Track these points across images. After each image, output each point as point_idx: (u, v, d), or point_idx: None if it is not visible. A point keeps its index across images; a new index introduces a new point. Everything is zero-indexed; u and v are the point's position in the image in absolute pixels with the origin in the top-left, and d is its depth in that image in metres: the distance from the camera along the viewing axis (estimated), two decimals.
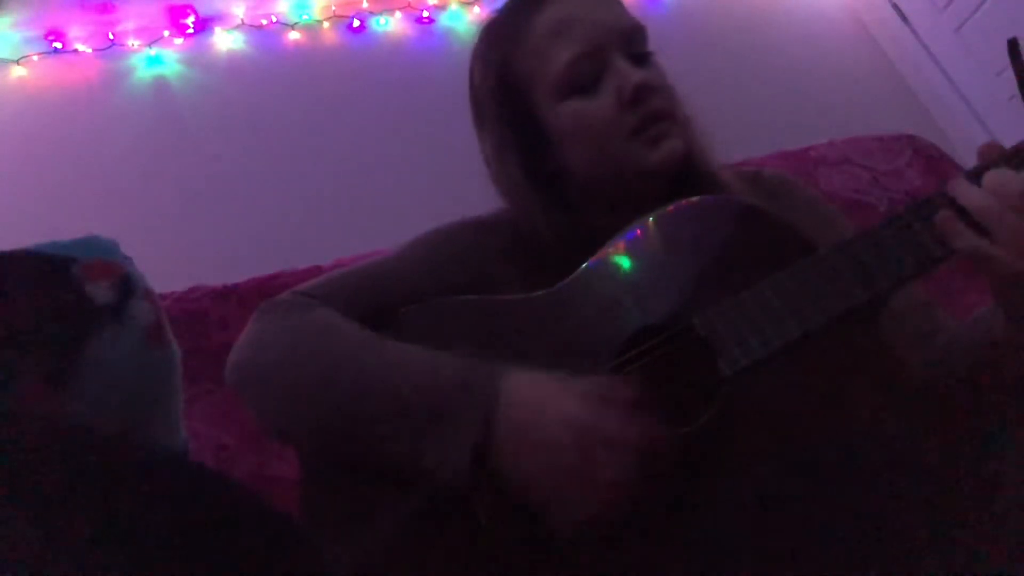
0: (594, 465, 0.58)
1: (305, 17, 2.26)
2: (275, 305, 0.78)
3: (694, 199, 0.73)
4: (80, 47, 2.13)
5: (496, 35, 0.87)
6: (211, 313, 1.35)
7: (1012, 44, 0.65)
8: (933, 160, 1.70)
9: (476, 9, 2.33)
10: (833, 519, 0.60)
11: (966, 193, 0.60)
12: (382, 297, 0.79)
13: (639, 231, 0.73)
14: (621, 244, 0.74)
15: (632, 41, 0.82)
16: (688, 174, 0.83)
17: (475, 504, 0.63)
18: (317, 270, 1.37)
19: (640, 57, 0.83)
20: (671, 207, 0.73)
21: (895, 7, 2.45)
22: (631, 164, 0.79)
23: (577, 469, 0.58)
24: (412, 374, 0.65)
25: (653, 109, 0.79)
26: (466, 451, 0.59)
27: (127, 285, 0.81)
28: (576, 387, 0.62)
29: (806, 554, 0.59)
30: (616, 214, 0.77)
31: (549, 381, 0.63)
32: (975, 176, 0.61)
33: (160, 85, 2.14)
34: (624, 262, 0.73)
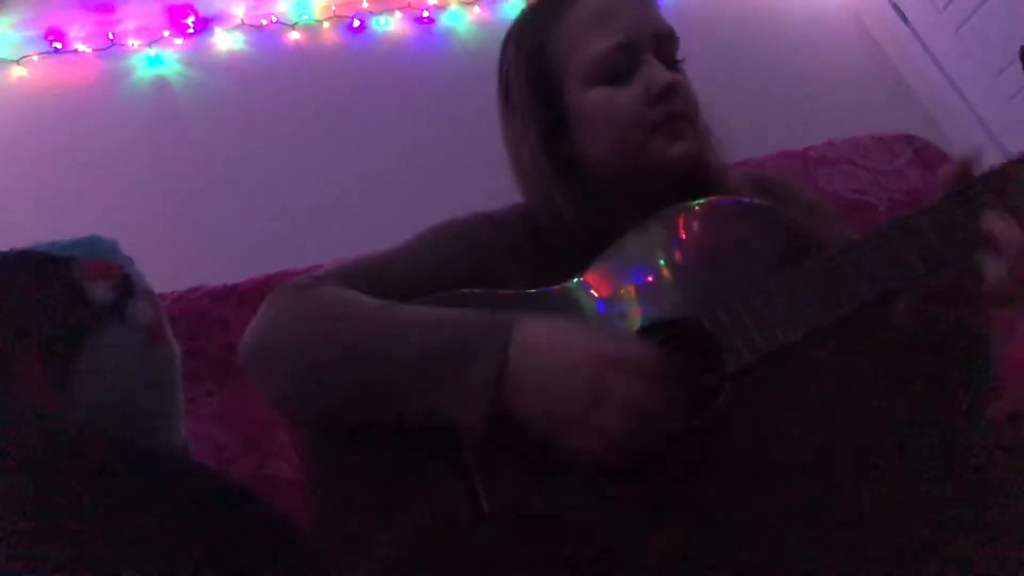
0: (610, 384, 0.59)
1: (305, 17, 2.26)
2: (288, 287, 0.79)
3: (705, 200, 0.74)
4: (80, 47, 2.13)
5: (534, 17, 0.90)
6: (211, 313, 1.35)
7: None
8: (933, 160, 1.69)
9: (476, 9, 2.33)
10: (838, 516, 0.60)
11: (999, 224, 0.59)
12: (389, 286, 0.79)
13: (649, 230, 0.74)
14: (631, 241, 0.75)
15: (666, 45, 0.85)
16: (701, 178, 0.84)
17: (477, 489, 0.64)
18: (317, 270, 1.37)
19: (671, 62, 0.85)
20: (669, 210, 0.74)
21: (895, 7, 2.44)
22: (647, 157, 0.81)
23: (591, 391, 0.59)
24: (429, 327, 0.67)
25: (676, 110, 0.81)
26: (486, 386, 0.61)
27: (127, 285, 0.81)
28: (589, 326, 0.65)
29: (810, 550, 0.60)
30: (627, 210, 0.78)
31: (562, 319, 0.66)
32: (964, 197, 0.61)
33: (160, 85, 2.14)
34: (634, 259, 0.73)
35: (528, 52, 0.88)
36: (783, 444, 0.63)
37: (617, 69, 0.82)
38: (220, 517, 0.51)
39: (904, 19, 2.43)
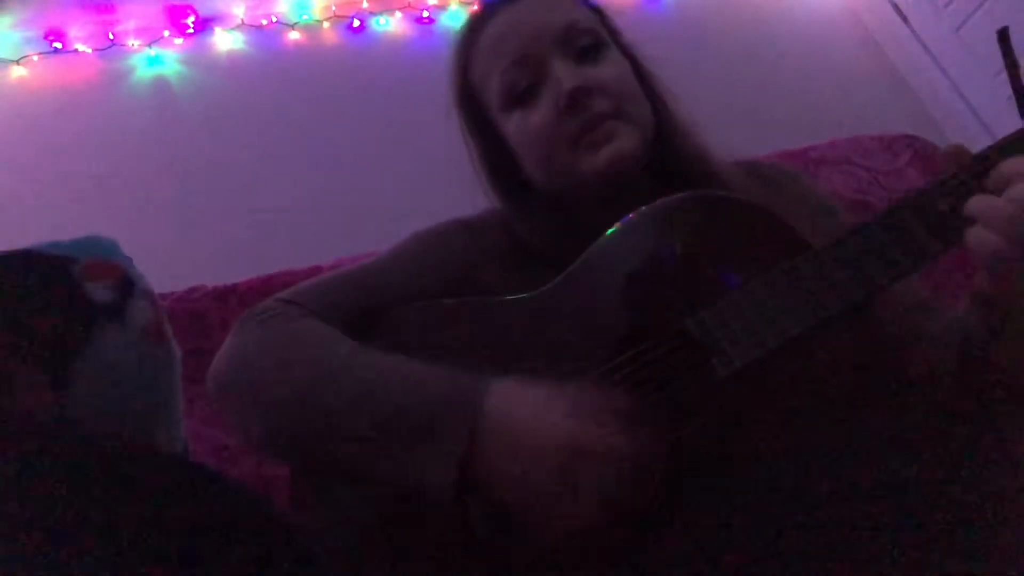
0: (577, 477, 0.56)
1: (305, 17, 2.27)
2: (257, 314, 0.75)
3: (677, 196, 0.71)
4: (80, 47, 2.13)
5: (455, 55, 0.88)
6: (211, 313, 1.35)
7: (1002, 33, 0.64)
8: (933, 160, 1.69)
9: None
10: (832, 518, 0.60)
11: (979, 202, 0.57)
12: (368, 301, 0.78)
13: (626, 231, 0.72)
14: (608, 244, 0.72)
15: (573, 39, 0.80)
16: (676, 164, 0.82)
17: (470, 516, 0.63)
18: (317, 270, 1.37)
19: (585, 52, 0.80)
20: (656, 204, 0.71)
21: (895, 7, 2.44)
22: (577, 171, 0.78)
23: (559, 481, 0.57)
24: (396, 390, 0.63)
25: (593, 112, 0.77)
26: (451, 466, 0.58)
27: (127, 285, 0.81)
28: (563, 396, 0.60)
29: (805, 553, 0.59)
30: (601, 211, 0.75)
31: (535, 389, 0.61)
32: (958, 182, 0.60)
33: (160, 85, 2.14)
34: (613, 263, 0.71)
35: (456, 88, 0.88)
36: (773, 450, 0.62)
37: (521, 89, 0.79)
38: (220, 517, 0.51)
39: (904, 19, 2.43)
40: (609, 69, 0.80)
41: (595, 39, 0.81)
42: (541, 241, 0.82)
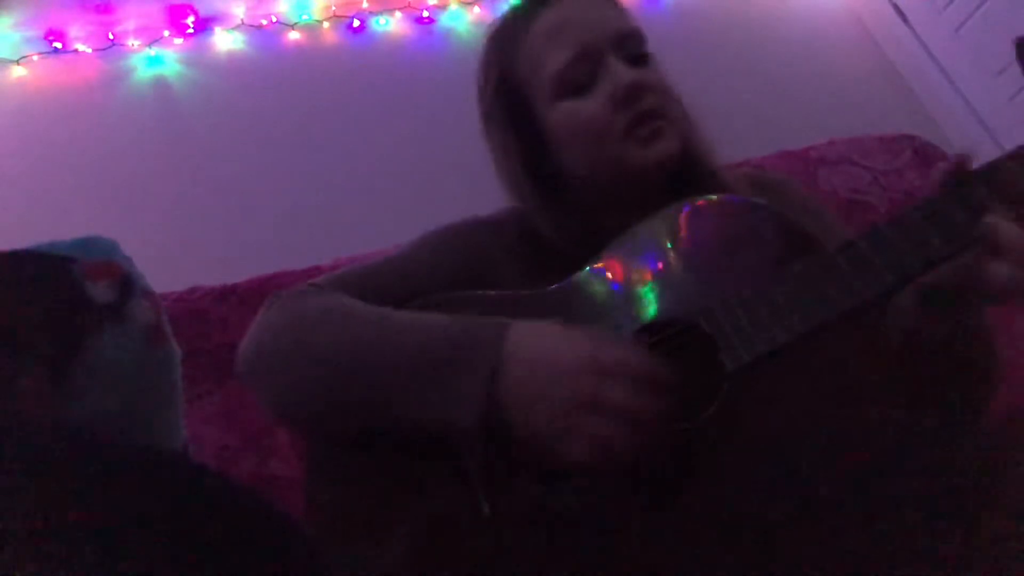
0: (601, 393, 0.58)
1: (305, 17, 2.26)
2: (285, 294, 0.79)
3: (699, 198, 0.73)
4: (80, 47, 2.13)
5: (498, 40, 0.90)
6: (211, 313, 1.35)
7: (1020, 44, 0.65)
8: (933, 160, 1.69)
9: (476, 9, 2.33)
10: (836, 515, 0.60)
11: (1006, 232, 0.57)
12: (387, 293, 0.80)
13: (644, 231, 0.74)
14: (625, 243, 0.74)
15: (628, 43, 0.84)
16: (690, 173, 0.84)
17: (478, 491, 0.64)
18: (317, 270, 1.37)
19: (636, 58, 0.84)
20: (676, 206, 0.73)
21: (895, 7, 2.45)
22: (625, 163, 0.81)
23: (585, 397, 0.58)
24: (421, 332, 0.67)
25: (646, 108, 0.80)
26: (479, 389, 0.60)
27: (127, 285, 0.81)
28: (583, 329, 0.64)
29: (806, 549, 0.60)
30: (621, 213, 0.78)
31: (554, 323, 0.65)
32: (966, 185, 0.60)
33: (160, 85, 2.14)
34: (628, 260, 0.73)
35: (498, 74, 0.89)
36: (781, 444, 0.63)
37: (578, 80, 0.82)
38: (221, 517, 0.51)
39: (904, 19, 2.43)
40: (657, 76, 0.84)
41: (644, 48, 0.85)
42: (561, 237, 0.84)
